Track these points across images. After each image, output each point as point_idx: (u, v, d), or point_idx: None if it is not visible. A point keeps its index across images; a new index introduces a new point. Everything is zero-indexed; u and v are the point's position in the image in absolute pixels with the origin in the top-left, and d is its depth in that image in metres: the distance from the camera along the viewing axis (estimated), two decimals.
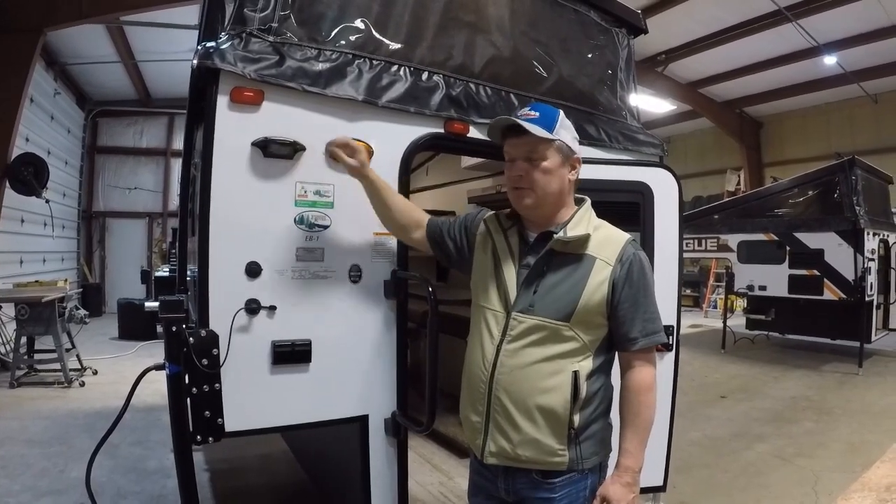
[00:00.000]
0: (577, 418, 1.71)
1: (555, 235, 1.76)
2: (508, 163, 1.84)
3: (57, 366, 6.81)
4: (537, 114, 1.78)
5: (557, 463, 1.72)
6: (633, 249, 1.78)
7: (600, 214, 1.90)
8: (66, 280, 9.01)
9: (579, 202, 1.90)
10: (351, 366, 2.43)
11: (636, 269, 1.75)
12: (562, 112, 1.84)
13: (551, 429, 1.70)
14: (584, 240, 1.76)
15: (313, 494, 3.85)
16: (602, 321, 1.76)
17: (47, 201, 9.52)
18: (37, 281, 8.30)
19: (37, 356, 7.11)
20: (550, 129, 1.76)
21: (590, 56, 3.46)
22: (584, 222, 1.81)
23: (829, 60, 11.60)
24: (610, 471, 1.80)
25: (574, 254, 1.76)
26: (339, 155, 2.15)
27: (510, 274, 1.82)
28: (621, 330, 1.75)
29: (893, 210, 10.23)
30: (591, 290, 1.72)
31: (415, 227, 2.16)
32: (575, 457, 1.72)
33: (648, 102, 13.84)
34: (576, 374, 1.70)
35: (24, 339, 6.87)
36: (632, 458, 1.72)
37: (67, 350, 7.00)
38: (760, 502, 4.00)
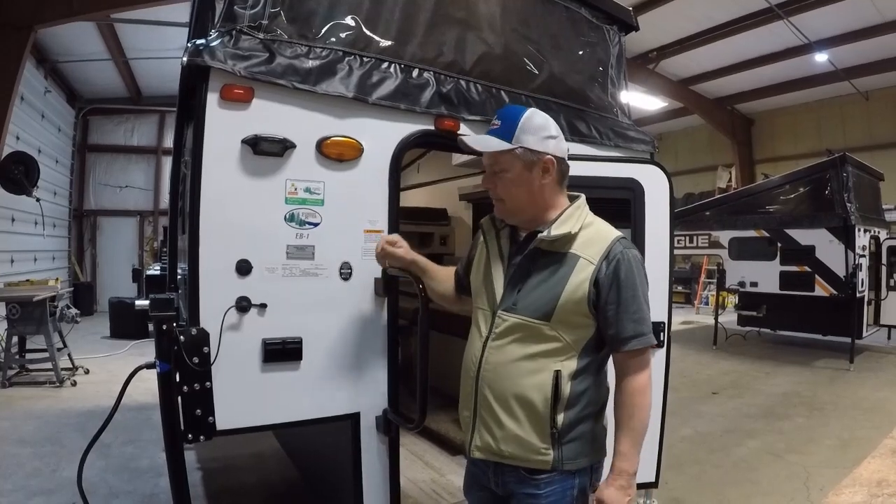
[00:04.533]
0: (560, 418, 1.69)
1: (539, 235, 1.75)
2: None
3: (48, 365, 6.78)
4: (499, 123, 1.79)
5: (541, 461, 1.71)
6: (621, 248, 1.72)
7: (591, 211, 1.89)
8: (57, 279, 8.98)
9: (573, 199, 1.86)
10: (342, 363, 2.43)
11: (624, 268, 1.69)
12: (527, 114, 1.77)
13: (533, 426, 1.70)
14: (567, 238, 1.74)
15: (305, 492, 3.85)
16: (585, 321, 1.72)
17: (38, 200, 9.43)
18: (28, 280, 8.27)
19: (28, 356, 7.08)
20: (509, 136, 1.73)
21: (581, 53, 3.46)
22: (571, 220, 1.77)
23: (821, 58, 11.65)
24: (605, 473, 1.80)
25: (559, 252, 1.75)
26: (390, 252, 2.15)
27: (498, 273, 1.83)
28: (610, 331, 1.71)
29: (884, 207, 10.29)
30: (571, 289, 1.69)
31: (454, 290, 2.17)
32: (558, 457, 1.70)
33: (640, 99, 13.90)
34: (557, 373, 1.69)
35: (15, 339, 6.84)
36: (626, 460, 1.69)
37: (59, 349, 6.96)
38: (752, 498, 4.02)
